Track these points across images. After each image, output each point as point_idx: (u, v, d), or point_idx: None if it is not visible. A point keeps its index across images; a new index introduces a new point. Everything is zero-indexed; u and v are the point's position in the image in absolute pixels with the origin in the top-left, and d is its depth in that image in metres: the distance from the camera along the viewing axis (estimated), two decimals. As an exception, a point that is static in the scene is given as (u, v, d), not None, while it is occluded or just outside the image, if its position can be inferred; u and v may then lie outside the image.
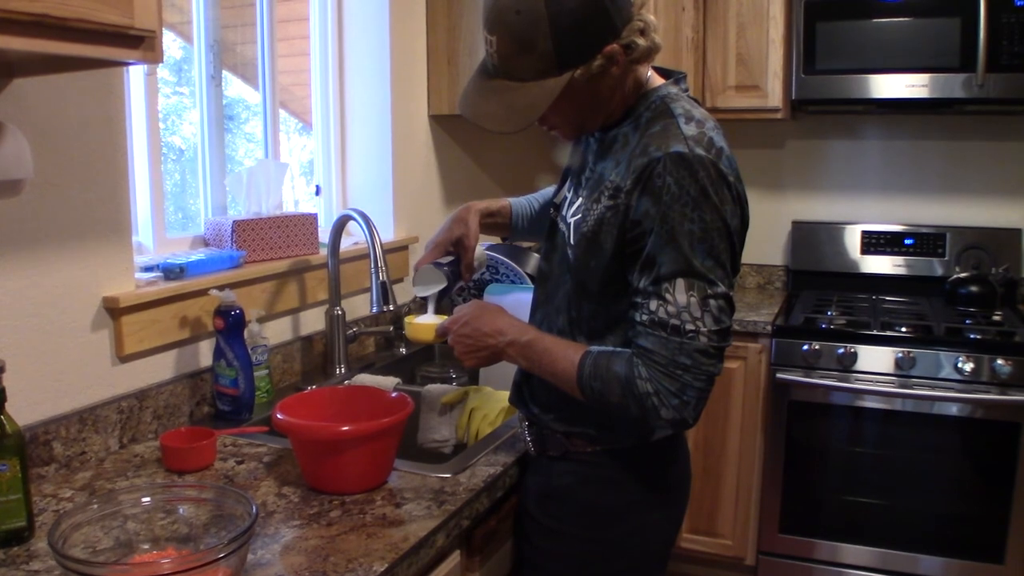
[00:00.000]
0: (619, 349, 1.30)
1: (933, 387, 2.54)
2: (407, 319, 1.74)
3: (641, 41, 1.28)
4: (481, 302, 1.49)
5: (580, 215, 1.36)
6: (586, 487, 1.43)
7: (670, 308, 1.22)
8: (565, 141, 1.48)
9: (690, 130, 1.26)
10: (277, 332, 2.06)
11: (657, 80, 1.39)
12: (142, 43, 1.17)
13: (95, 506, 1.11)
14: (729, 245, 1.25)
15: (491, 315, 1.44)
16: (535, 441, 1.50)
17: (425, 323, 1.69)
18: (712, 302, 1.23)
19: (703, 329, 1.22)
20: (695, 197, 1.21)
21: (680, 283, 1.22)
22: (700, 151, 1.23)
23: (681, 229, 1.22)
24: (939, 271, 3.07)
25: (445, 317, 1.60)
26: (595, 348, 1.32)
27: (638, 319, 1.26)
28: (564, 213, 1.44)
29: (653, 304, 1.24)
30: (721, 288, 1.24)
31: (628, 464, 1.41)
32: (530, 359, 1.38)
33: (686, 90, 1.39)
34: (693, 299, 1.22)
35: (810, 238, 3.24)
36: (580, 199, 1.39)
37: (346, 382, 1.99)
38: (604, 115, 1.36)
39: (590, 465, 1.42)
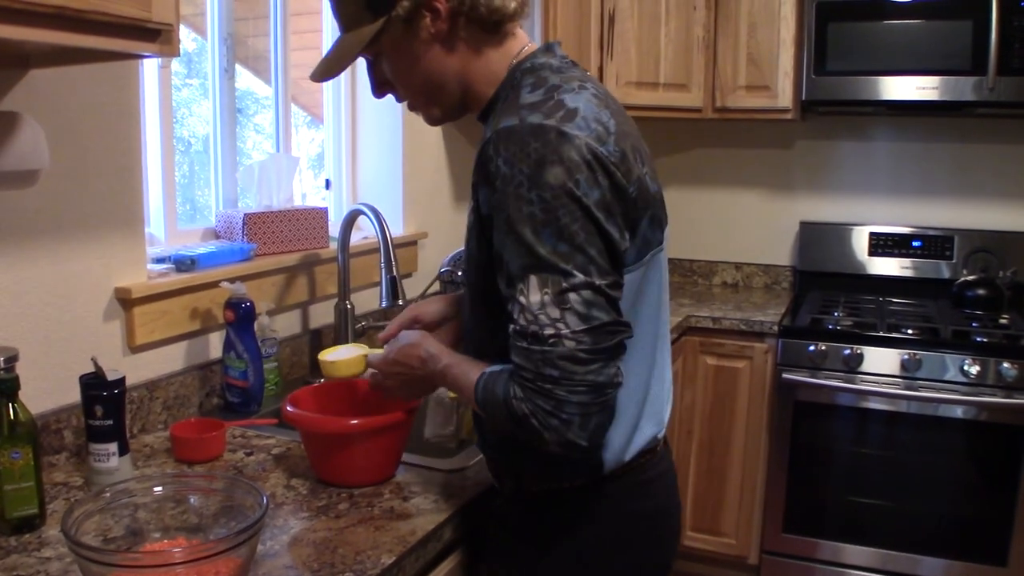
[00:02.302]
0: (504, 367, 1.10)
1: (939, 389, 2.54)
2: (320, 357, 1.54)
3: None
4: (404, 333, 1.32)
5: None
6: (539, 528, 1.24)
7: (527, 313, 1.03)
8: (430, 121, 1.30)
9: (532, 97, 1.09)
10: (287, 325, 2.07)
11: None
12: (159, 36, 1.18)
13: (107, 495, 1.12)
14: (590, 222, 1.03)
15: (411, 348, 1.25)
16: (492, 472, 1.34)
17: (348, 358, 1.52)
18: (572, 296, 1.02)
19: (564, 331, 1.01)
20: (529, 174, 1.02)
21: (531, 280, 1.03)
22: (535, 119, 1.05)
23: (519, 215, 1.03)
24: (946, 274, 3.07)
25: (361, 346, 1.54)
26: (490, 368, 1.12)
27: (509, 330, 1.07)
28: None
29: (515, 311, 1.05)
30: (580, 277, 1.02)
31: (583, 504, 1.21)
32: (449, 385, 1.21)
33: (564, 57, 1.21)
34: (547, 297, 1.02)
35: (818, 239, 3.24)
36: None
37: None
38: (453, 89, 1.20)
39: (541, 505, 1.24)
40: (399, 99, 1.27)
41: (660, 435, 1.26)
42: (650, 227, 1.14)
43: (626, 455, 1.20)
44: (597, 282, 1.03)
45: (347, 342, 2.11)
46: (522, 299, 1.04)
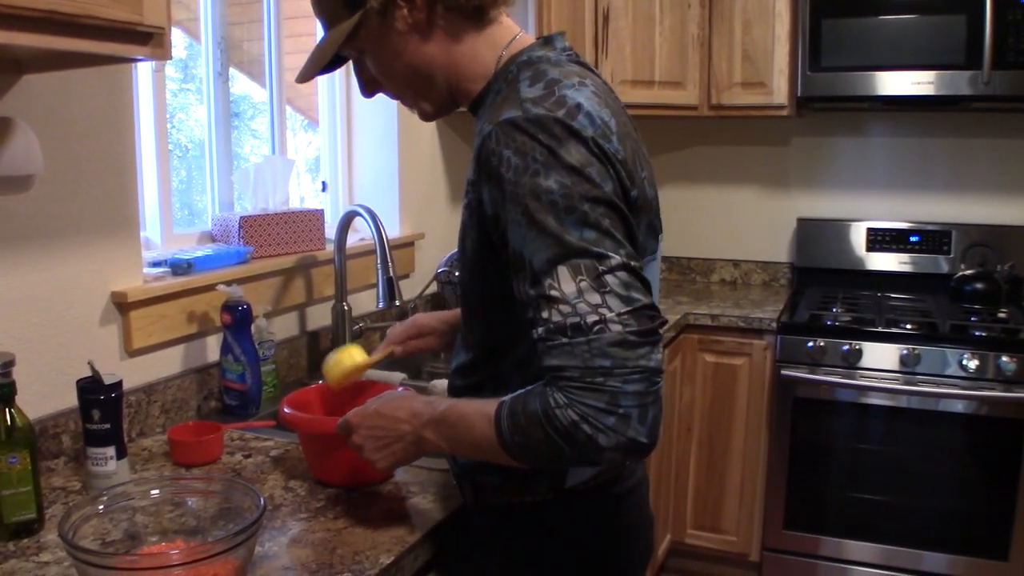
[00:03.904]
0: (532, 387, 1.00)
1: (938, 384, 2.54)
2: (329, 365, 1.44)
3: None
4: (389, 391, 1.24)
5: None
6: (498, 543, 1.19)
7: (562, 306, 0.95)
8: (423, 117, 1.26)
9: (532, 91, 1.03)
10: (284, 327, 2.07)
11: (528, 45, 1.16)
12: (151, 39, 1.18)
13: (105, 498, 1.12)
14: (612, 209, 0.98)
15: (402, 399, 1.17)
16: (454, 479, 1.28)
17: (351, 365, 1.42)
18: (610, 279, 0.95)
19: (610, 315, 0.93)
20: (543, 161, 0.97)
21: (562, 271, 0.95)
22: (539, 110, 0.99)
23: (538, 204, 0.96)
24: (944, 268, 3.07)
25: (362, 353, 1.44)
26: (508, 396, 1.02)
27: (535, 336, 0.97)
28: None
29: (544, 310, 0.96)
30: (616, 259, 0.95)
31: (545, 520, 1.15)
32: (449, 435, 1.08)
33: (566, 49, 1.16)
34: (584, 283, 0.94)
35: (815, 235, 3.24)
36: None
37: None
38: (439, 82, 1.16)
39: (501, 519, 1.19)
40: (390, 96, 1.25)
41: None
42: (646, 234, 1.09)
43: (585, 473, 1.14)
44: (630, 264, 0.97)
45: (344, 343, 2.11)
46: (554, 293, 0.95)
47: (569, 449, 0.95)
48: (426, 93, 1.19)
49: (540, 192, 0.96)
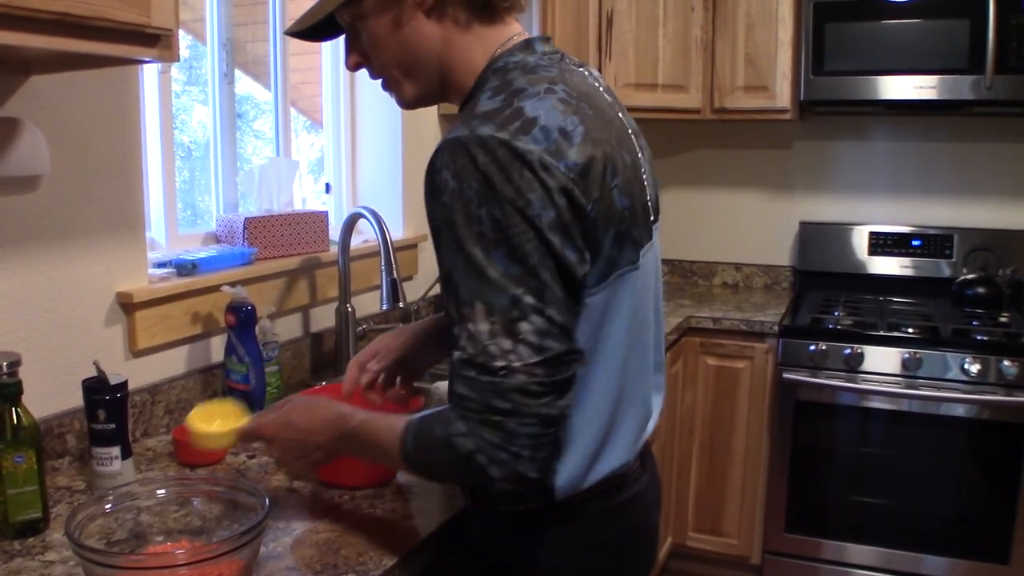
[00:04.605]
0: (439, 410, 1.02)
1: (939, 388, 2.54)
2: (191, 423, 1.29)
3: None
4: (300, 396, 1.25)
5: None
6: (494, 550, 1.19)
7: (475, 342, 0.95)
8: (402, 103, 1.21)
9: (490, 104, 1.01)
10: (288, 329, 2.08)
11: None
12: (158, 41, 1.18)
13: (110, 498, 1.13)
14: (543, 244, 0.96)
15: (316, 409, 1.18)
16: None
17: (218, 432, 1.27)
18: (524, 325, 0.94)
19: (516, 364, 0.94)
20: (478, 190, 0.95)
21: (479, 308, 0.95)
22: (485, 130, 0.96)
23: (469, 234, 0.95)
24: (946, 272, 3.07)
25: (238, 410, 1.31)
26: (418, 415, 1.05)
27: (452, 357, 0.98)
28: None
29: (461, 339, 0.97)
30: (532, 303, 0.95)
31: (539, 529, 1.14)
32: (360, 450, 1.13)
33: (547, 52, 1.12)
34: (496, 326, 0.94)
35: (818, 239, 3.24)
36: None
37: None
38: (431, 68, 1.13)
39: (497, 526, 1.18)
40: (372, 74, 1.19)
41: (630, 462, 1.17)
42: (616, 246, 1.04)
43: (583, 484, 1.12)
44: (548, 310, 0.96)
45: (347, 345, 2.12)
46: (470, 326, 0.96)
47: (464, 474, 1.00)
48: (413, 75, 1.15)
49: (471, 221, 0.95)
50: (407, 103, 1.20)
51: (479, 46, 1.12)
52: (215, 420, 1.29)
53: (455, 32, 1.11)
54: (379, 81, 1.20)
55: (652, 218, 1.18)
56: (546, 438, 0.97)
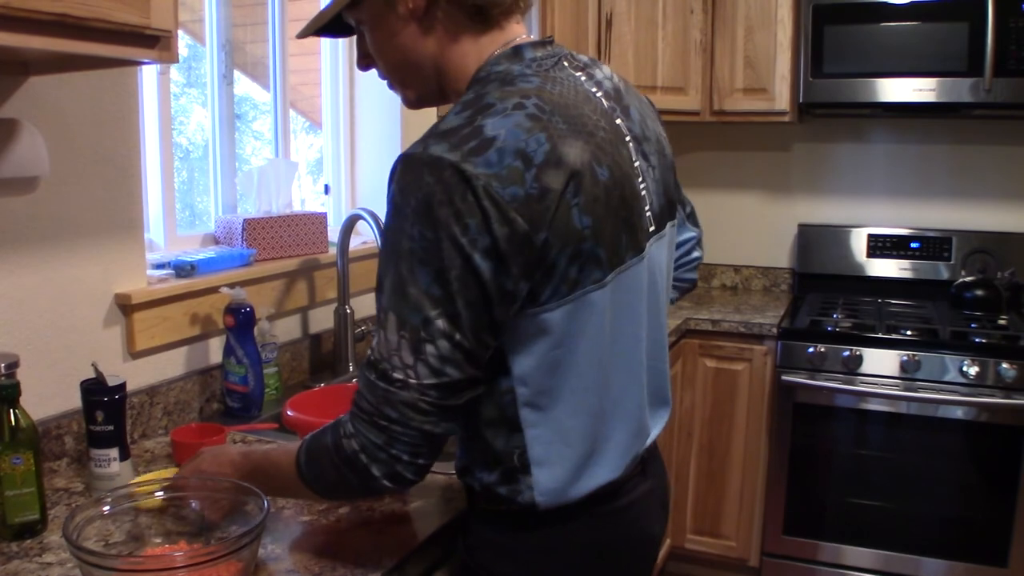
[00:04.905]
0: (328, 424, 1.08)
1: (938, 390, 2.54)
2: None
3: None
4: (210, 447, 1.28)
5: None
6: (481, 552, 1.18)
7: (382, 349, 1.00)
8: (407, 104, 1.24)
9: (452, 121, 1.01)
10: (286, 330, 2.08)
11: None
12: (158, 43, 1.18)
13: (108, 500, 1.12)
14: (471, 273, 0.96)
15: (223, 453, 1.23)
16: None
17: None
18: (429, 347, 0.97)
19: (412, 381, 0.98)
20: (415, 207, 0.96)
21: (392, 318, 0.99)
22: (437, 150, 0.97)
23: (400, 248, 0.98)
24: (945, 275, 3.07)
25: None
26: (309, 435, 1.10)
27: (368, 352, 1.04)
28: None
29: (375, 338, 1.02)
30: (442, 327, 0.97)
31: (528, 529, 1.14)
32: (265, 482, 1.14)
33: (536, 59, 1.10)
34: (404, 341, 0.98)
35: (816, 241, 3.24)
36: None
37: (355, 380, 2.00)
38: (428, 74, 1.14)
39: (493, 524, 1.17)
40: (380, 75, 1.21)
41: (620, 476, 1.16)
42: (574, 266, 1.02)
43: (569, 496, 1.11)
44: (457, 336, 0.98)
45: (346, 346, 2.12)
46: (382, 333, 1.00)
47: (351, 476, 1.04)
48: (410, 81, 1.17)
49: (404, 236, 0.98)
50: (410, 104, 1.22)
51: (473, 52, 1.11)
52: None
53: (448, 41, 1.11)
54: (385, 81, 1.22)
55: (652, 228, 1.16)
56: (425, 449, 1.02)
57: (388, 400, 1.00)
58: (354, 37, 1.23)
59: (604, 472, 1.13)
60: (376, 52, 1.17)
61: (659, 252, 1.19)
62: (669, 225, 1.24)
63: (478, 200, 0.95)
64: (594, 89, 1.13)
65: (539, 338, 1.04)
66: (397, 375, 0.99)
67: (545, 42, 1.14)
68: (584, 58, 1.18)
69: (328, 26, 1.19)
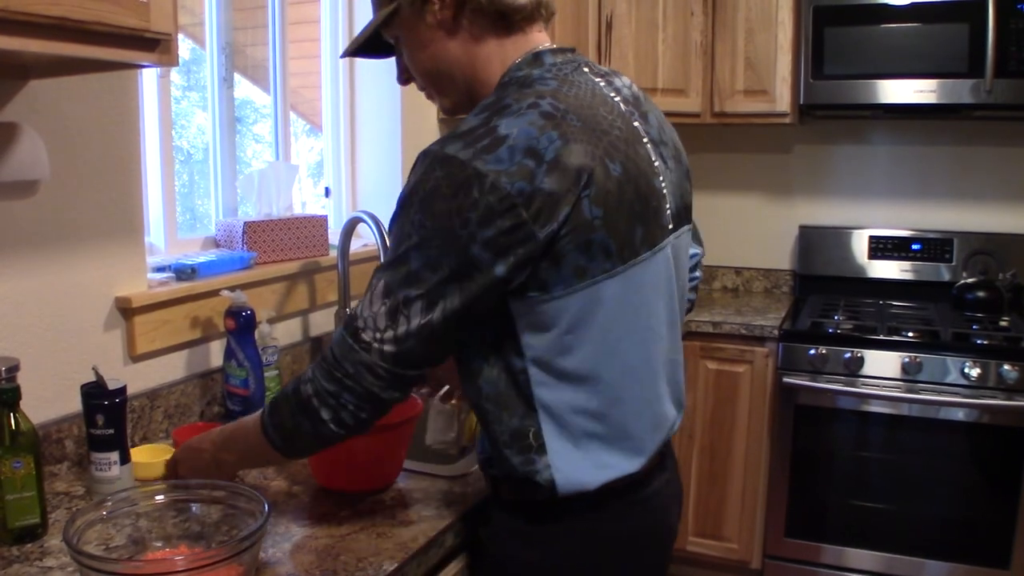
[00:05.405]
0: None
1: (940, 392, 2.54)
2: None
3: None
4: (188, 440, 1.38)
5: None
6: (506, 542, 1.22)
7: (363, 308, 1.09)
8: (443, 111, 1.30)
9: (470, 122, 1.08)
10: (287, 333, 2.07)
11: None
12: (158, 46, 1.18)
13: (108, 504, 1.12)
14: (466, 264, 1.03)
15: (206, 433, 1.34)
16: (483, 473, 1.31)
17: (150, 462, 1.48)
18: (402, 320, 1.06)
19: (376, 345, 1.07)
20: (423, 197, 1.05)
21: (381, 286, 1.08)
22: (452, 149, 1.04)
23: (404, 230, 1.07)
24: (946, 276, 3.07)
25: (167, 449, 1.53)
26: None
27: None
28: None
29: (362, 300, 1.11)
30: (420, 305, 1.05)
31: (550, 518, 1.18)
32: (236, 448, 1.25)
33: (556, 64, 1.16)
34: (384, 309, 1.07)
35: (817, 242, 3.24)
36: None
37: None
38: (459, 81, 1.21)
39: (514, 513, 1.21)
40: (419, 87, 1.30)
41: (642, 468, 1.19)
42: (583, 255, 1.06)
43: (587, 485, 1.15)
44: (431, 318, 1.06)
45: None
46: (368, 296, 1.10)
47: (304, 420, 1.13)
48: (444, 88, 1.24)
49: (408, 221, 1.06)
50: (446, 111, 1.29)
51: (497, 58, 1.18)
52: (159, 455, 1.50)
53: (474, 46, 1.18)
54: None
55: (670, 226, 1.20)
56: (368, 406, 1.11)
57: (349, 357, 1.09)
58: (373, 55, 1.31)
59: (624, 463, 1.17)
60: (411, 63, 1.24)
61: (678, 249, 1.25)
62: (686, 228, 1.30)
63: (483, 195, 1.01)
64: (612, 94, 1.18)
65: (550, 325, 1.09)
66: (365, 336, 1.08)
67: (566, 49, 1.20)
68: (604, 68, 1.24)
69: (368, 47, 1.27)
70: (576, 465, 1.14)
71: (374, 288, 1.09)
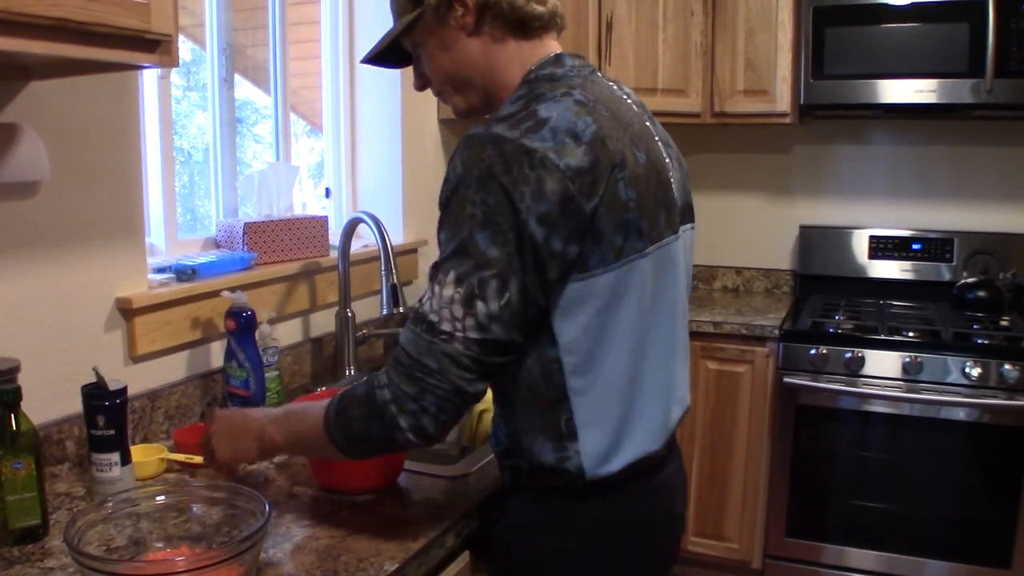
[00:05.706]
0: (372, 374, 1.15)
1: (940, 392, 2.53)
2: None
3: None
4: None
5: None
6: (524, 530, 1.24)
7: (433, 301, 1.08)
8: (455, 112, 1.33)
9: (509, 108, 1.13)
10: (288, 334, 2.07)
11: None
12: (158, 47, 1.19)
13: (109, 504, 1.12)
14: (526, 238, 1.05)
15: (247, 410, 1.35)
16: (498, 465, 1.33)
17: (145, 460, 1.49)
18: (480, 305, 1.06)
19: (459, 334, 1.06)
20: (478, 176, 1.06)
21: (451, 274, 1.07)
22: (498, 129, 1.08)
23: (463, 214, 1.07)
24: (947, 276, 3.07)
25: (160, 448, 1.55)
26: (346, 388, 1.18)
27: (416, 304, 1.12)
28: None
29: (425, 295, 1.10)
30: (495, 285, 1.05)
31: (567, 506, 1.20)
32: (287, 428, 1.24)
33: (579, 66, 1.23)
34: (459, 295, 1.06)
35: (818, 242, 3.24)
36: None
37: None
38: (477, 83, 1.25)
39: (532, 501, 1.23)
40: (434, 91, 1.33)
41: (653, 451, 1.22)
42: (620, 234, 1.11)
43: (611, 467, 1.18)
44: (507, 296, 1.06)
45: (347, 350, 2.12)
46: (436, 288, 1.08)
47: (378, 426, 1.10)
48: (462, 90, 1.28)
49: (467, 202, 1.07)
50: (459, 112, 1.33)
51: (516, 62, 1.23)
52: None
53: (494, 50, 1.23)
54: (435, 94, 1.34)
55: (679, 219, 1.27)
56: (452, 405, 1.09)
57: (431, 351, 1.07)
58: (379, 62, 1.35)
59: (642, 443, 1.20)
60: (430, 66, 1.28)
61: (686, 242, 1.31)
62: (691, 225, 1.35)
63: (534, 169, 1.05)
64: (624, 96, 1.26)
65: (586, 303, 1.12)
66: (445, 327, 1.06)
67: (579, 55, 1.27)
68: (610, 77, 1.32)
69: (386, 55, 1.32)
70: (604, 449, 1.17)
71: (442, 280, 1.08)
